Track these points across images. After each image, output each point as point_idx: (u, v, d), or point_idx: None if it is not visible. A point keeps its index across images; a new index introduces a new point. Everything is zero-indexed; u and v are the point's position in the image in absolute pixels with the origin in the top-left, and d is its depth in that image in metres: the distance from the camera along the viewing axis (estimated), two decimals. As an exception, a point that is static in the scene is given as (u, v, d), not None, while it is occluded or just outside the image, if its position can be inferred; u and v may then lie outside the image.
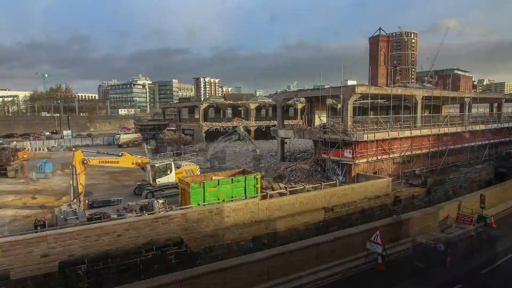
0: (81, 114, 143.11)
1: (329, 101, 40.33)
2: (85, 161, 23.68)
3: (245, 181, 24.78)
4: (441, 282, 16.85)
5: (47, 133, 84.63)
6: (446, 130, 36.96)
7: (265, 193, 24.68)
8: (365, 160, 30.24)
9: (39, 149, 62.18)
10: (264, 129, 72.71)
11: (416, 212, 23.56)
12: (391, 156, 32.25)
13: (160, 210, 20.53)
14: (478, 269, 18.08)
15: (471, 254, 19.64)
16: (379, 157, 31.28)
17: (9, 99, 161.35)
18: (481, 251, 20.14)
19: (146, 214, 19.22)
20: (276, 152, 46.25)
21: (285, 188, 27.04)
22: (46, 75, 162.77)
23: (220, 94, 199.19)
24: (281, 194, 24.77)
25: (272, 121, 74.83)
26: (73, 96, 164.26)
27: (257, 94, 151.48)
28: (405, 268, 18.25)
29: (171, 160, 31.24)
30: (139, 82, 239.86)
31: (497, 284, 17.06)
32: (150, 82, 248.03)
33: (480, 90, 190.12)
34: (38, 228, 17.93)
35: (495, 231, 23.05)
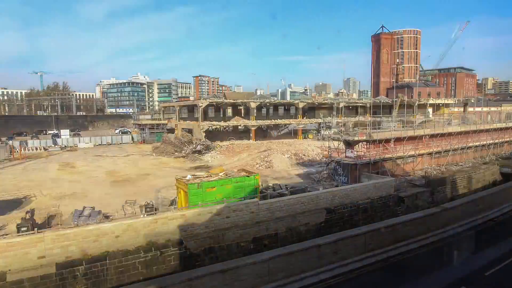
0: (79, 113, 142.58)
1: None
2: None
3: (244, 181, 24.46)
4: (444, 283, 16.63)
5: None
6: (450, 129, 36.63)
7: (266, 194, 24.39)
8: (367, 160, 29.92)
9: (36, 149, 61.80)
10: (264, 129, 72.40)
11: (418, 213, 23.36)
12: (394, 156, 31.93)
13: None
14: (482, 270, 17.85)
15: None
16: (382, 157, 30.96)
17: (6, 97, 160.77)
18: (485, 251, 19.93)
19: (145, 215, 18.95)
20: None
21: (286, 188, 26.74)
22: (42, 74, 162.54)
23: (220, 93, 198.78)
24: (281, 195, 24.47)
25: (273, 121, 74.53)
26: (71, 94, 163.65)
27: (258, 93, 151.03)
28: (408, 269, 18.04)
29: None
30: (138, 80, 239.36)
31: (502, 286, 16.82)
32: (149, 81, 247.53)
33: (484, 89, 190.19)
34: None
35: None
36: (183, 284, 13.91)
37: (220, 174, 25.50)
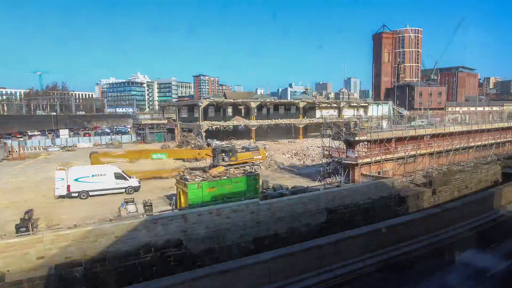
0: (78, 113, 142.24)
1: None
2: None
3: (244, 182, 24.36)
4: (446, 284, 16.51)
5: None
6: (451, 129, 36.40)
7: (266, 194, 24.28)
8: (368, 160, 29.77)
9: (35, 149, 61.63)
10: (265, 128, 72.22)
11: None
12: (395, 155, 31.73)
13: None
14: (484, 271, 17.73)
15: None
16: (383, 157, 30.77)
17: (4, 97, 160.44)
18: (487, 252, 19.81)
19: (145, 215, 18.83)
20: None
21: (287, 188, 26.64)
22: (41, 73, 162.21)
23: (220, 93, 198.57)
24: (282, 195, 24.35)
25: (274, 120, 74.35)
26: (70, 94, 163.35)
27: (258, 93, 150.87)
28: (409, 270, 17.91)
29: None
30: (138, 80, 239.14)
31: (504, 287, 16.70)
32: (149, 80, 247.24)
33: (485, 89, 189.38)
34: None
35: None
36: (183, 285, 13.76)
37: (220, 174, 25.40)
